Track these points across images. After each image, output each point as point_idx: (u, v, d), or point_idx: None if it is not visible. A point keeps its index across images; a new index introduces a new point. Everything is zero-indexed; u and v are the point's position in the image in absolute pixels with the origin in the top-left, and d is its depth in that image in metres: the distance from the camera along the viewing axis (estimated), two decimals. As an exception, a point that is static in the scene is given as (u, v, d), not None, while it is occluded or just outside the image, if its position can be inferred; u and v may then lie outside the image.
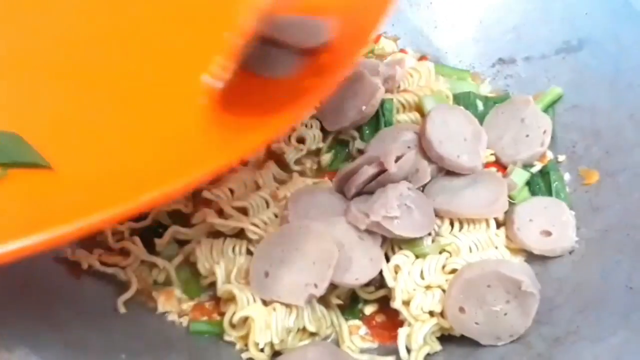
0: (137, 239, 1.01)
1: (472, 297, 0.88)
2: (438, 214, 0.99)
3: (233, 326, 0.92)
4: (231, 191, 1.03)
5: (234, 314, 0.90)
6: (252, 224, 0.99)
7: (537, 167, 1.11)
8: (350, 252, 0.92)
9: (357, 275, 0.91)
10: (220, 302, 0.97)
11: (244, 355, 0.92)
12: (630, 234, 0.96)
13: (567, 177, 1.10)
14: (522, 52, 1.25)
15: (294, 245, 0.91)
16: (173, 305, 0.98)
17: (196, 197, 1.06)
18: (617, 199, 1.01)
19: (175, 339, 0.94)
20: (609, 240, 0.98)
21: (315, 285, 0.88)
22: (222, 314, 0.95)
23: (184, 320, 0.97)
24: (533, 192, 1.08)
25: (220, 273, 0.94)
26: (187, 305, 0.99)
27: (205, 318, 0.97)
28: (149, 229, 1.04)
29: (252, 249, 0.98)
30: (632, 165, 1.03)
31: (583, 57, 1.17)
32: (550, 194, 1.07)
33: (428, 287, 0.93)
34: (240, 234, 1.01)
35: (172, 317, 0.98)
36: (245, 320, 0.90)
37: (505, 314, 0.88)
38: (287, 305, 0.89)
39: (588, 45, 1.17)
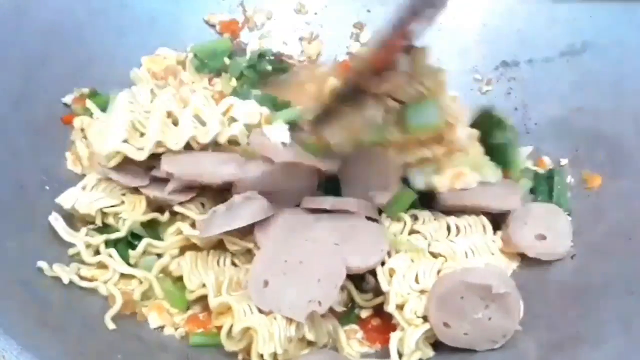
0: (113, 251, 0.98)
1: (451, 312, 0.87)
2: (453, 209, 1.00)
3: (231, 338, 0.89)
4: (202, 205, 1.01)
5: (231, 326, 0.88)
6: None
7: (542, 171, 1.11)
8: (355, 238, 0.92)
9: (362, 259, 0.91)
10: (212, 314, 0.94)
11: None
12: (632, 238, 0.95)
13: (570, 180, 1.09)
14: (526, 55, 1.24)
15: (298, 258, 0.89)
16: (165, 319, 0.95)
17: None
18: (619, 203, 1.00)
19: (172, 340, 0.93)
20: (610, 245, 0.97)
21: (320, 303, 0.86)
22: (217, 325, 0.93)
23: (180, 333, 0.94)
24: (535, 195, 1.08)
25: (210, 285, 0.92)
26: (180, 318, 0.95)
27: (201, 330, 0.94)
28: (124, 240, 1.00)
29: (236, 261, 0.97)
30: (635, 170, 1.02)
31: (586, 61, 1.16)
32: (551, 198, 1.06)
33: (422, 292, 0.91)
34: (219, 247, 0.99)
35: (168, 330, 0.94)
36: (245, 331, 0.88)
37: (490, 319, 0.87)
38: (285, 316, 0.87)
39: (592, 48, 1.16)
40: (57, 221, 0.98)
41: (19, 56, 1.08)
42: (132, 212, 1.00)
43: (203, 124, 1.02)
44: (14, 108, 1.04)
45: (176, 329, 0.95)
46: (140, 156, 0.97)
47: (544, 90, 1.19)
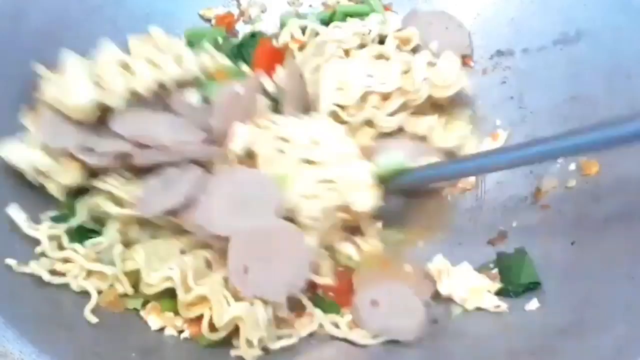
0: (78, 246, 0.94)
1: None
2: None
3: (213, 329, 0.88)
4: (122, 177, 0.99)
5: (210, 317, 0.88)
6: None
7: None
8: None
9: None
10: (181, 307, 0.91)
11: (233, 353, 0.89)
12: (631, 224, 0.96)
13: (572, 166, 1.10)
14: (520, 44, 1.24)
15: (270, 244, 0.91)
16: (166, 320, 0.93)
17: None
18: (618, 189, 1.01)
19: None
20: (609, 231, 0.98)
21: (294, 285, 0.91)
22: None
23: (184, 336, 0.92)
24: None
25: (177, 279, 0.89)
26: (180, 321, 0.93)
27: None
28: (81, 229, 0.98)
29: (183, 248, 0.95)
30: (632, 156, 1.02)
31: (581, 49, 1.17)
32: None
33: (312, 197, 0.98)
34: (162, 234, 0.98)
35: (169, 331, 0.93)
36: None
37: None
38: (263, 300, 0.89)
39: (586, 36, 1.17)
40: (18, 214, 0.94)
41: (16, 57, 1.07)
42: (64, 175, 0.97)
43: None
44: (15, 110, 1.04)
45: (180, 332, 0.93)
46: (117, 101, 0.97)
47: (539, 79, 1.20)
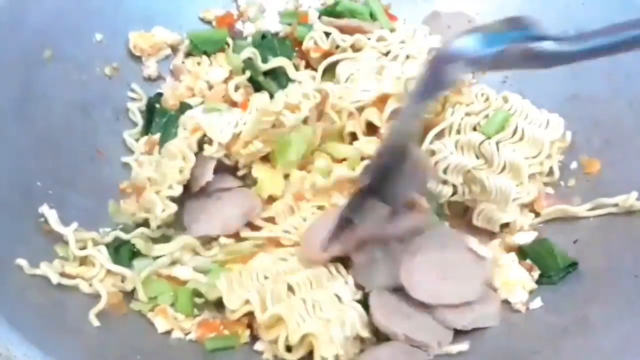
0: (103, 247, 0.97)
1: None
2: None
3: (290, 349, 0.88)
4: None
5: (287, 336, 0.87)
6: (284, 231, 1.01)
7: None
8: None
9: None
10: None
11: None
12: (634, 222, 0.97)
13: (574, 165, 1.10)
14: (520, 43, 1.24)
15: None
16: (173, 323, 0.94)
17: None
18: (618, 187, 1.01)
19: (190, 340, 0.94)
20: (612, 229, 0.98)
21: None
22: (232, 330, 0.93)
23: (190, 338, 0.94)
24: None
25: (255, 302, 0.89)
26: (188, 323, 0.95)
27: (214, 334, 0.93)
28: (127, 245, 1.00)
29: (267, 274, 0.94)
30: (633, 154, 1.04)
31: (580, 47, 1.17)
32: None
33: None
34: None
35: (176, 334, 0.94)
36: (302, 338, 0.87)
37: None
38: (339, 317, 0.88)
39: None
40: (49, 211, 0.97)
41: (17, 57, 1.07)
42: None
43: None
44: (16, 112, 1.04)
45: (186, 334, 0.94)
46: None
47: (539, 78, 1.19)
